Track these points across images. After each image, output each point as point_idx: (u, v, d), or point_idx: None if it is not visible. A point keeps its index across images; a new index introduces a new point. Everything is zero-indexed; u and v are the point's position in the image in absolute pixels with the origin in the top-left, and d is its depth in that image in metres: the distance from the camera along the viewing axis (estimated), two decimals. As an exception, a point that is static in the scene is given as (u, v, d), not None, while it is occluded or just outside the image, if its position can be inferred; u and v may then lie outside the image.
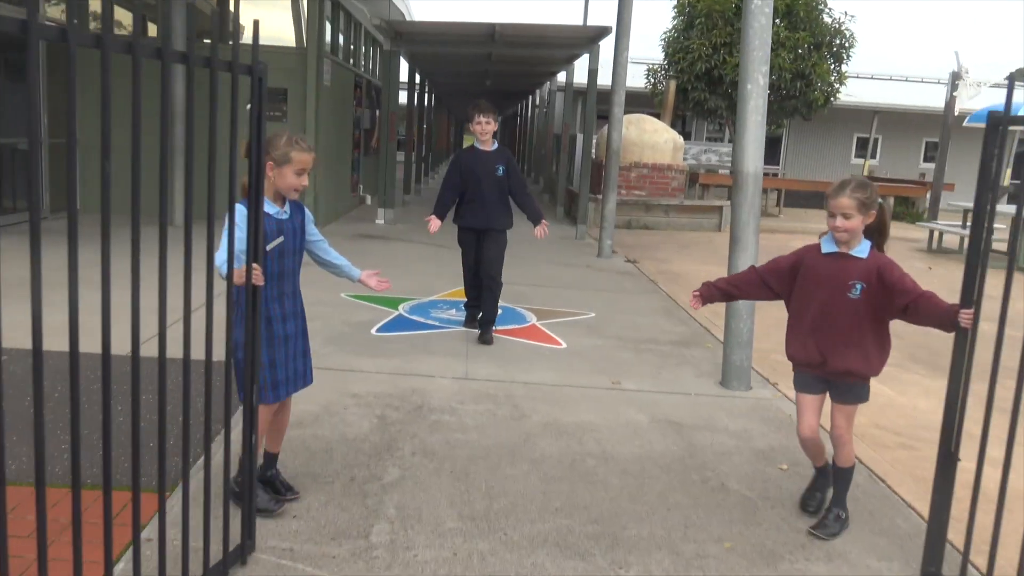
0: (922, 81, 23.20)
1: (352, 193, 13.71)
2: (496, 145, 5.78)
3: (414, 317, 6.34)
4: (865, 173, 22.76)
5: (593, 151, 16.59)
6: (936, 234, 13.91)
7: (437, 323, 6.23)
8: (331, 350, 5.26)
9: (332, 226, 11.27)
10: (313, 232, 3.21)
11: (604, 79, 12.31)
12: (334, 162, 11.83)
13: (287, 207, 3.02)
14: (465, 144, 6.89)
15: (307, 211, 3.16)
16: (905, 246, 13.78)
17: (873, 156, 23.62)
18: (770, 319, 5.42)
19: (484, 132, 5.63)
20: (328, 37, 11.57)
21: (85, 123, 10.67)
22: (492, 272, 5.82)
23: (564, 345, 5.84)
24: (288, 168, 2.91)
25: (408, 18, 17.73)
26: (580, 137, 15.97)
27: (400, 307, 6.62)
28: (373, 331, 5.83)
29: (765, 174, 22.26)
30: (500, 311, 6.14)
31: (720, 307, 4.61)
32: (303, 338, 3.17)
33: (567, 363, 5.38)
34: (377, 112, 14.67)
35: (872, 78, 22.55)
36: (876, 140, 23.70)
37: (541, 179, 20.25)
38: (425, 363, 5.14)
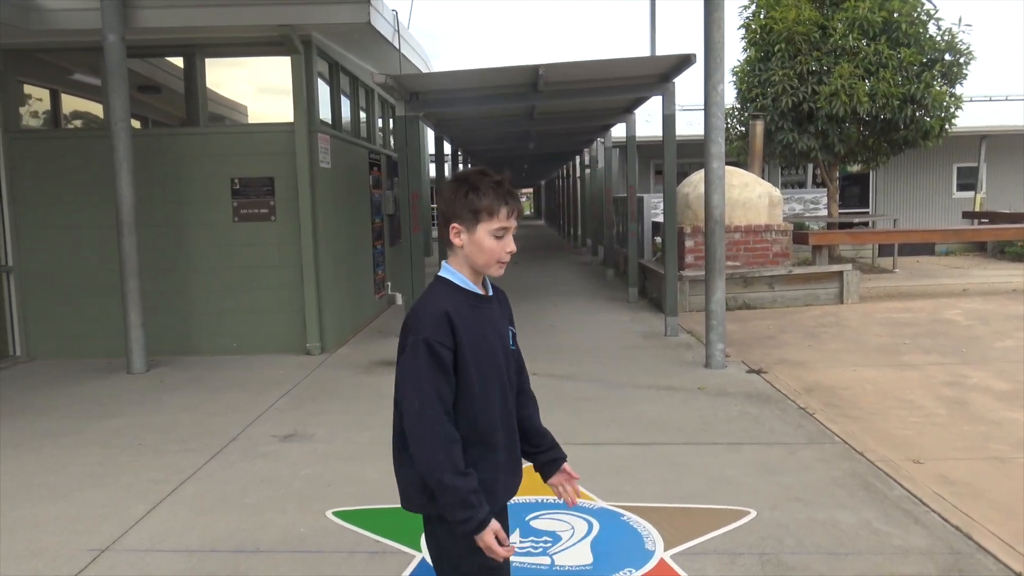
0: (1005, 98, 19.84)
1: (377, 294, 11.10)
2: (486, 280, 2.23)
3: (446, 571, 3.51)
4: (977, 208, 19.49)
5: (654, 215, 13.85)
6: None
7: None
8: None
9: (345, 348, 8.58)
10: None
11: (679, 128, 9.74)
12: (346, 262, 9.24)
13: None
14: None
15: None
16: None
17: (981, 188, 20.31)
18: None
19: (506, 252, 2.11)
20: (328, 106, 9.11)
21: (30, 245, 8.34)
22: None
23: (740, 635, 2.96)
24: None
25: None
26: (646, 200, 13.29)
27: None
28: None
29: (861, 223, 19.18)
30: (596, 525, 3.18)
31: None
32: None
33: None
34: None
35: (990, 100, 19.38)
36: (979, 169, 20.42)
37: (601, 250, 17.49)
38: None
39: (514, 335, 2.27)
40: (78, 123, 9.26)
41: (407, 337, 2.05)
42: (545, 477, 2.31)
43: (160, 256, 8.15)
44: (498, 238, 2.07)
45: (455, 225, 2.08)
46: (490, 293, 2.20)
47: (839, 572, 3.40)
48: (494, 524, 1.98)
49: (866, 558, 3.53)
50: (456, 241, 2.09)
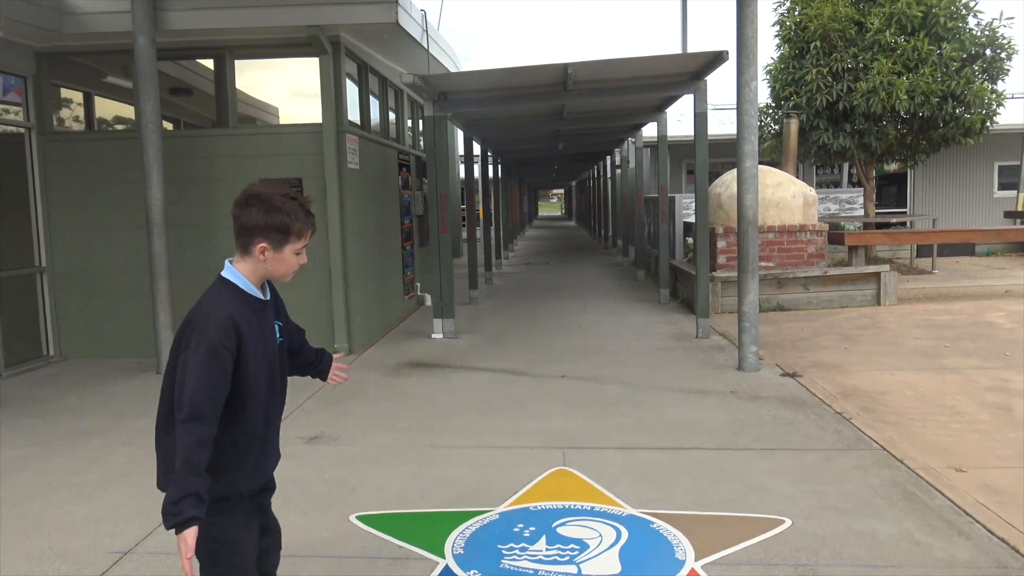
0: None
1: (407, 296, 11.08)
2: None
3: (470, 579, 3.43)
4: (1020, 207, 19.00)
5: (685, 215, 13.66)
6: None
7: (514, 593, 3.32)
8: None
9: (372, 350, 8.56)
10: None
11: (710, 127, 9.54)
12: (375, 263, 9.21)
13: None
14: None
15: None
16: None
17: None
18: None
19: (299, 264, 2.40)
20: (356, 107, 9.09)
21: (62, 246, 8.41)
22: None
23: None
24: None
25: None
26: (678, 200, 13.11)
27: (448, 542, 3.74)
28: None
29: (899, 223, 18.78)
30: (625, 533, 3.33)
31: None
32: None
33: None
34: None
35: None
36: (1021, 168, 19.89)
37: (631, 251, 17.32)
38: None
39: (280, 327, 2.49)
40: (112, 125, 9.35)
41: (192, 335, 2.20)
42: (324, 378, 2.80)
43: (190, 257, 8.18)
44: (298, 254, 2.34)
45: (263, 244, 2.28)
46: (267, 296, 2.43)
47: (879, 586, 3.27)
48: (194, 531, 2.09)
49: (907, 571, 3.39)
50: (260, 257, 2.30)
